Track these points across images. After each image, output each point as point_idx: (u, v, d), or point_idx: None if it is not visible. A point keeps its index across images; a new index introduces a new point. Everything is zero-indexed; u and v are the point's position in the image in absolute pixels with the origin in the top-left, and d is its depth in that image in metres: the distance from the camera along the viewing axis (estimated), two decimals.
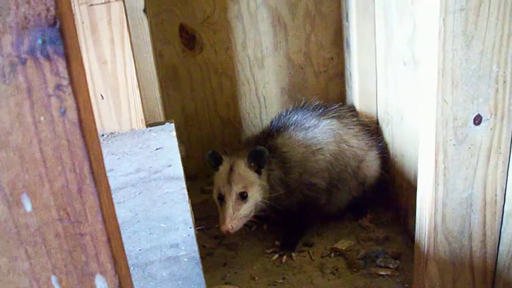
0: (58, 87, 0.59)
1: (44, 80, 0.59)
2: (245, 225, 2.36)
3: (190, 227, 1.32)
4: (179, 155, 1.77)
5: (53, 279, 0.69)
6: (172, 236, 1.30)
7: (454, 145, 1.53)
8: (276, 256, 2.44)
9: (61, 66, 0.59)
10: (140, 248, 1.28)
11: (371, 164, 2.55)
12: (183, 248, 1.26)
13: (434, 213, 1.62)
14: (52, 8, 0.57)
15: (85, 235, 0.67)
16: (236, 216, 2.27)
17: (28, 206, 0.64)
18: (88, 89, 0.65)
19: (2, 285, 0.69)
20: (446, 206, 1.61)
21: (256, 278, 2.31)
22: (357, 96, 2.71)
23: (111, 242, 0.69)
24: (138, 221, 1.37)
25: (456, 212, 1.63)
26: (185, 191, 1.51)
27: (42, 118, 0.60)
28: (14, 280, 0.69)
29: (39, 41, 0.58)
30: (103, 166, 0.68)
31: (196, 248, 1.25)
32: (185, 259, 1.21)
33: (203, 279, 1.16)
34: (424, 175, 1.63)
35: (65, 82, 0.59)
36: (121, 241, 0.74)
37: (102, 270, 0.69)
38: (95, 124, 0.66)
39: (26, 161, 0.62)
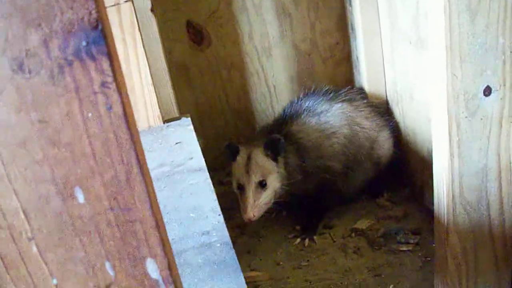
0: (104, 84, 0.64)
1: (90, 79, 0.64)
2: (266, 212, 2.41)
3: (219, 214, 1.37)
4: (199, 148, 1.82)
5: (107, 265, 0.74)
6: (203, 224, 1.35)
7: (466, 117, 1.57)
8: (299, 240, 2.49)
9: (105, 64, 0.63)
10: (173, 238, 1.33)
11: (384, 144, 2.59)
12: (214, 234, 1.31)
13: (452, 185, 1.66)
14: (93, 12, 0.61)
15: (135, 221, 0.72)
16: (257, 204, 2.32)
17: (81, 198, 0.69)
18: (126, 85, 0.70)
19: (59, 274, 0.74)
20: (463, 177, 1.65)
21: (281, 263, 2.36)
22: (365, 78, 2.75)
23: (159, 227, 0.74)
24: (167, 213, 1.42)
25: (472, 182, 1.67)
26: (210, 181, 1.56)
27: (90, 115, 0.65)
28: (71, 269, 0.74)
29: (84, 43, 0.62)
30: (145, 157, 0.73)
31: (227, 233, 1.30)
32: (218, 245, 1.26)
33: (237, 262, 1.21)
34: (439, 149, 1.67)
35: (109, 79, 0.64)
36: (165, 227, 0.78)
37: (152, 253, 0.74)
38: (134, 117, 0.71)
39: (77, 156, 0.67)
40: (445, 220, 1.74)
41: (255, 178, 2.34)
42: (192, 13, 2.76)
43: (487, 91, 1.56)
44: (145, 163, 0.71)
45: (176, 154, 1.81)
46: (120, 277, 0.75)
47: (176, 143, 1.89)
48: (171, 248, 0.78)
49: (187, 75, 2.87)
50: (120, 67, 0.67)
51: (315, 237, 2.49)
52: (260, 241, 2.54)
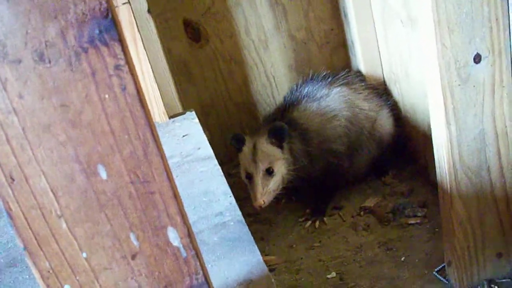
0: (117, 67, 0.70)
1: (105, 63, 0.70)
2: (275, 199, 2.48)
3: (230, 196, 1.44)
4: (205, 138, 1.88)
5: (132, 236, 0.80)
6: (215, 206, 1.42)
7: (459, 85, 1.63)
8: (309, 223, 2.56)
9: (118, 49, 0.70)
10: None
11: (385, 123, 2.65)
12: (227, 214, 1.37)
13: (451, 152, 1.72)
14: (104, 2, 0.68)
15: (155, 193, 0.78)
16: (266, 191, 2.38)
17: (103, 174, 0.76)
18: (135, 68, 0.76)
19: (88, 248, 0.80)
20: (461, 144, 1.71)
21: (294, 246, 2.43)
22: (361, 61, 2.81)
23: (176, 197, 0.80)
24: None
25: (471, 148, 1.73)
26: (219, 167, 1.63)
27: (106, 96, 0.72)
28: (99, 242, 0.80)
29: (97, 31, 0.69)
30: (158, 132, 0.79)
31: (239, 213, 1.37)
32: (232, 223, 1.33)
33: (252, 237, 1.27)
34: (436, 119, 1.73)
35: (122, 62, 0.70)
36: (181, 198, 0.84)
37: (172, 222, 0.81)
38: (145, 96, 0.77)
39: (98, 135, 0.73)
40: (449, 187, 1.80)
41: (262, 166, 2.40)
42: (188, 11, 2.82)
43: (477, 59, 1.62)
44: (159, 138, 0.78)
45: (184, 145, 1.87)
46: (144, 246, 0.81)
47: (183, 136, 1.95)
48: (188, 218, 0.84)
49: (188, 72, 2.93)
50: (129, 52, 0.73)
51: (325, 219, 2.56)
52: (272, 227, 2.61)
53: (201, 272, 0.84)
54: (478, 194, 1.82)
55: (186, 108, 2.51)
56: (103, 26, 0.69)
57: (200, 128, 1.99)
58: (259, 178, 2.39)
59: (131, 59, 0.72)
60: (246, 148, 2.47)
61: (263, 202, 2.37)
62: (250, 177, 2.43)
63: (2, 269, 1.56)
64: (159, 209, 0.79)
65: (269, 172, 2.41)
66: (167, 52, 2.76)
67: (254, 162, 2.42)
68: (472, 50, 1.60)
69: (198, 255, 0.83)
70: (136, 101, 0.72)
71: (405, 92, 2.59)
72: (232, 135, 2.51)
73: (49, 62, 0.69)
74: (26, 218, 0.76)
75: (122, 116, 0.73)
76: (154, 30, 2.38)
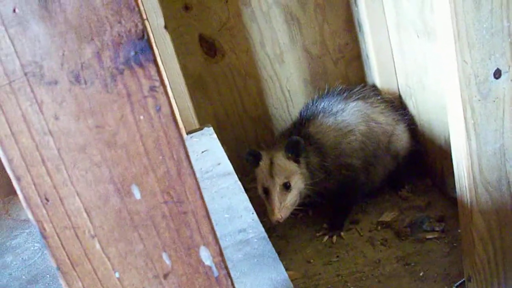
0: (152, 88, 0.71)
1: (140, 84, 0.71)
2: (292, 213, 2.48)
3: (253, 213, 1.44)
4: (225, 154, 1.89)
5: (164, 256, 0.80)
6: (238, 223, 1.42)
7: (479, 100, 1.63)
8: (327, 237, 2.56)
9: (153, 70, 0.70)
10: None
11: (401, 137, 2.65)
12: (250, 231, 1.37)
13: (471, 167, 1.72)
14: (139, 24, 0.68)
15: (188, 212, 0.78)
16: (283, 206, 2.39)
17: (137, 195, 0.76)
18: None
19: (121, 268, 0.80)
20: (481, 158, 1.71)
21: (312, 261, 2.43)
22: (377, 75, 2.81)
23: (209, 217, 0.80)
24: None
25: (491, 162, 1.73)
26: (239, 183, 1.63)
27: (141, 117, 0.72)
28: (131, 262, 0.80)
29: (132, 53, 0.69)
30: (189, 153, 0.79)
31: (262, 229, 1.37)
32: (255, 240, 1.33)
33: (276, 254, 1.27)
34: (456, 134, 1.73)
35: (157, 83, 0.71)
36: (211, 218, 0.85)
37: (205, 242, 0.81)
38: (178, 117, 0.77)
39: (132, 156, 0.74)
40: (469, 202, 1.80)
41: (279, 181, 2.40)
42: (203, 27, 2.84)
43: (497, 74, 1.62)
44: (190, 159, 0.78)
45: (204, 161, 1.88)
46: (177, 266, 0.81)
47: (202, 152, 1.96)
48: (218, 238, 0.85)
49: (203, 87, 2.95)
50: (162, 73, 0.74)
51: (342, 233, 2.56)
52: (289, 241, 2.61)
53: None
54: (498, 209, 1.81)
55: (202, 123, 2.52)
56: (139, 47, 0.69)
57: (219, 143, 2.00)
58: (276, 193, 2.40)
59: (163, 80, 0.73)
60: (263, 163, 2.47)
61: (280, 217, 2.37)
62: (267, 192, 2.44)
63: (24, 286, 1.56)
64: (192, 229, 0.80)
65: (286, 186, 2.41)
66: (183, 67, 2.77)
67: (271, 176, 2.42)
68: (492, 65, 1.60)
69: (229, 275, 0.84)
70: (170, 121, 0.73)
71: (421, 105, 2.59)
72: (248, 151, 2.51)
73: (85, 83, 0.70)
74: (60, 238, 0.76)
75: (156, 136, 0.73)
76: (171, 46, 2.40)
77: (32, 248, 1.78)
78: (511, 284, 1.93)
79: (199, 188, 0.78)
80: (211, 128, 2.18)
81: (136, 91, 0.71)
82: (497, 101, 1.65)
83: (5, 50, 0.67)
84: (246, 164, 2.63)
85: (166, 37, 2.39)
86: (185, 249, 0.81)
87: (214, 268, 0.82)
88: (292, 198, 2.42)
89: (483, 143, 1.69)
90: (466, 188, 1.78)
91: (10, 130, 0.70)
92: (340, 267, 2.35)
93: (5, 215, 2.01)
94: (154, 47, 2.14)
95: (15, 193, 2.13)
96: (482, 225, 1.83)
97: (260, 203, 2.49)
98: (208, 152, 1.94)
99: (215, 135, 2.09)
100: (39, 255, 1.72)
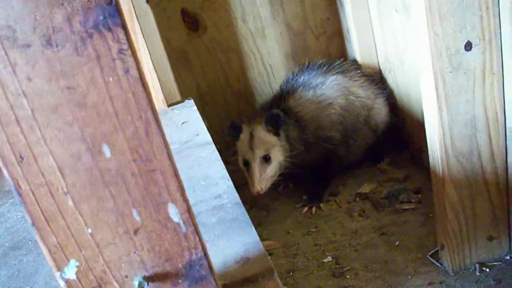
0: (121, 51, 0.75)
1: (109, 48, 0.74)
2: (272, 185, 2.53)
3: (228, 180, 1.49)
4: (204, 125, 1.92)
5: (134, 212, 0.85)
6: (214, 190, 1.47)
7: (450, 72, 1.68)
8: (306, 209, 2.61)
9: (121, 34, 0.74)
10: None
11: (380, 111, 2.70)
12: (225, 197, 1.42)
13: (443, 137, 1.77)
14: None
15: (156, 170, 0.83)
16: (263, 178, 2.44)
17: (108, 153, 0.80)
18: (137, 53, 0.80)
19: (93, 224, 0.84)
20: (453, 129, 1.76)
21: (291, 231, 2.48)
22: (357, 50, 2.85)
23: (177, 175, 0.85)
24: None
25: (462, 133, 1.78)
26: (217, 153, 1.67)
27: (110, 79, 0.76)
28: (103, 218, 0.84)
29: (101, 17, 0.73)
30: (158, 114, 0.83)
31: (237, 195, 1.41)
32: (229, 205, 1.37)
33: (248, 217, 1.32)
34: (428, 105, 1.77)
35: (125, 46, 0.75)
36: (180, 176, 0.89)
37: (173, 198, 0.85)
38: (147, 80, 0.81)
39: (102, 116, 0.78)
40: (441, 172, 1.85)
41: (260, 153, 2.45)
42: (186, 1, 2.86)
43: (468, 46, 1.66)
44: (159, 119, 0.82)
45: (183, 132, 1.91)
46: (146, 222, 0.85)
47: (182, 123, 2.00)
48: (187, 196, 0.89)
49: (186, 61, 2.97)
50: (131, 37, 0.78)
51: (321, 205, 2.61)
52: (270, 213, 2.66)
53: (200, 247, 0.89)
54: (470, 179, 1.86)
55: (184, 97, 2.55)
56: (107, 12, 0.73)
57: (199, 115, 2.04)
58: (256, 165, 2.44)
59: (133, 44, 0.77)
60: (243, 136, 2.51)
61: (260, 189, 2.42)
62: (247, 164, 2.48)
63: (7, 252, 1.60)
64: (160, 186, 0.84)
65: (266, 159, 2.46)
66: (166, 41, 2.80)
67: (251, 149, 2.46)
68: (463, 38, 1.65)
69: (197, 231, 0.88)
70: (138, 84, 0.77)
71: (400, 80, 2.63)
72: (229, 124, 2.55)
73: (57, 46, 0.73)
74: (34, 196, 0.80)
75: (125, 97, 0.77)
76: (153, 20, 2.43)
77: (15, 217, 1.82)
78: (482, 252, 1.99)
79: (167, 147, 0.82)
80: (192, 101, 2.22)
81: (105, 54, 0.75)
82: (468, 73, 1.70)
83: None
84: (227, 137, 2.66)
85: (149, 12, 2.41)
86: (154, 206, 0.85)
87: (182, 224, 0.86)
88: (272, 170, 2.46)
89: (454, 114, 1.74)
90: (438, 158, 1.83)
91: None
92: (318, 237, 2.40)
93: None
94: (136, 23, 2.17)
95: None
96: (454, 195, 1.88)
97: (242, 175, 2.54)
98: (188, 123, 1.98)
99: (195, 107, 2.13)
100: (22, 223, 1.76)
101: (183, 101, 2.28)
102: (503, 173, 1.88)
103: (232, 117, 3.05)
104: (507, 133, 1.82)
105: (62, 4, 0.72)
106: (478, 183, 1.88)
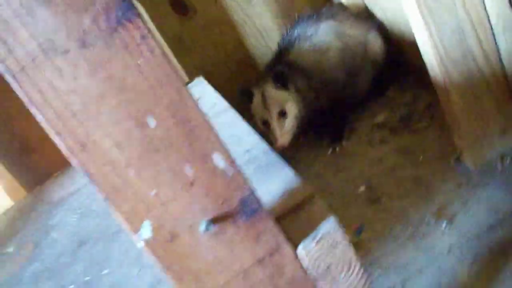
0: (142, 37, 0.89)
1: (132, 36, 0.89)
2: (294, 138, 2.68)
3: (255, 134, 1.61)
4: (219, 95, 2.05)
5: (186, 168, 0.98)
6: (244, 145, 1.59)
7: None
8: (330, 150, 2.75)
9: (140, 23, 0.88)
10: None
11: (375, 44, 2.82)
12: (256, 149, 1.54)
13: (436, 49, 1.88)
14: None
15: (195, 128, 0.96)
16: (284, 131, 2.59)
17: (152, 124, 0.94)
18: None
19: (155, 186, 0.99)
20: (443, 39, 1.87)
21: (321, 173, 2.63)
22: None
23: (212, 127, 0.99)
24: None
25: (452, 41, 1.88)
26: (238, 115, 1.80)
27: (140, 61, 0.90)
28: (162, 179, 0.98)
29: (120, 13, 0.87)
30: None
31: (266, 145, 1.52)
32: (261, 154, 1.50)
33: (282, 160, 1.44)
34: (415, 23, 1.88)
35: (145, 31, 0.89)
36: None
37: (215, 148, 0.99)
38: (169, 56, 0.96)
39: (141, 94, 0.92)
40: (443, 83, 1.96)
41: (275, 110, 2.60)
42: None
43: None
44: (186, 84, 0.96)
45: (201, 106, 2.03)
46: (198, 174, 0.99)
47: (197, 99, 2.12)
48: (226, 145, 1.03)
49: (183, 46, 3.10)
50: (147, 24, 0.92)
51: (343, 143, 2.75)
52: (297, 162, 2.80)
53: (246, 185, 1.04)
54: (470, 81, 1.97)
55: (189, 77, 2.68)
56: (124, 8, 0.87)
57: (212, 88, 2.15)
58: (275, 122, 2.60)
59: (150, 29, 0.91)
60: (256, 99, 2.66)
61: (283, 142, 2.57)
62: (266, 123, 2.63)
63: (75, 249, 1.75)
64: (202, 140, 0.98)
65: (282, 114, 2.61)
66: (161, 31, 2.92)
67: (267, 108, 2.61)
68: None
69: (241, 172, 1.03)
70: (163, 60, 0.91)
71: (387, 10, 2.75)
72: (240, 90, 2.70)
73: (90, 45, 0.88)
74: (102, 174, 0.95)
75: (155, 73, 0.91)
76: (144, 13, 2.56)
77: (71, 221, 1.96)
78: (498, 146, 2.11)
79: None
80: (202, 78, 2.33)
81: (131, 42, 0.89)
82: None
83: (22, 36, 0.85)
84: (241, 107, 2.79)
85: (138, 6, 2.54)
86: (201, 158, 0.99)
87: (227, 169, 1.01)
88: (290, 123, 2.62)
89: (441, 24, 1.85)
90: (437, 71, 1.94)
91: (43, 97, 0.88)
92: (347, 172, 2.55)
93: (40, 203, 2.18)
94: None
95: (41, 182, 2.31)
96: (460, 101, 1.99)
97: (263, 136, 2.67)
98: (203, 98, 2.09)
99: (206, 82, 2.25)
100: (80, 224, 1.90)
101: (193, 80, 2.39)
102: (500, 70, 1.98)
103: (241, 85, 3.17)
104: (494, 31, 1.93)
105: (86, 10, 0.86)
106: (479, 84, 1.99)
